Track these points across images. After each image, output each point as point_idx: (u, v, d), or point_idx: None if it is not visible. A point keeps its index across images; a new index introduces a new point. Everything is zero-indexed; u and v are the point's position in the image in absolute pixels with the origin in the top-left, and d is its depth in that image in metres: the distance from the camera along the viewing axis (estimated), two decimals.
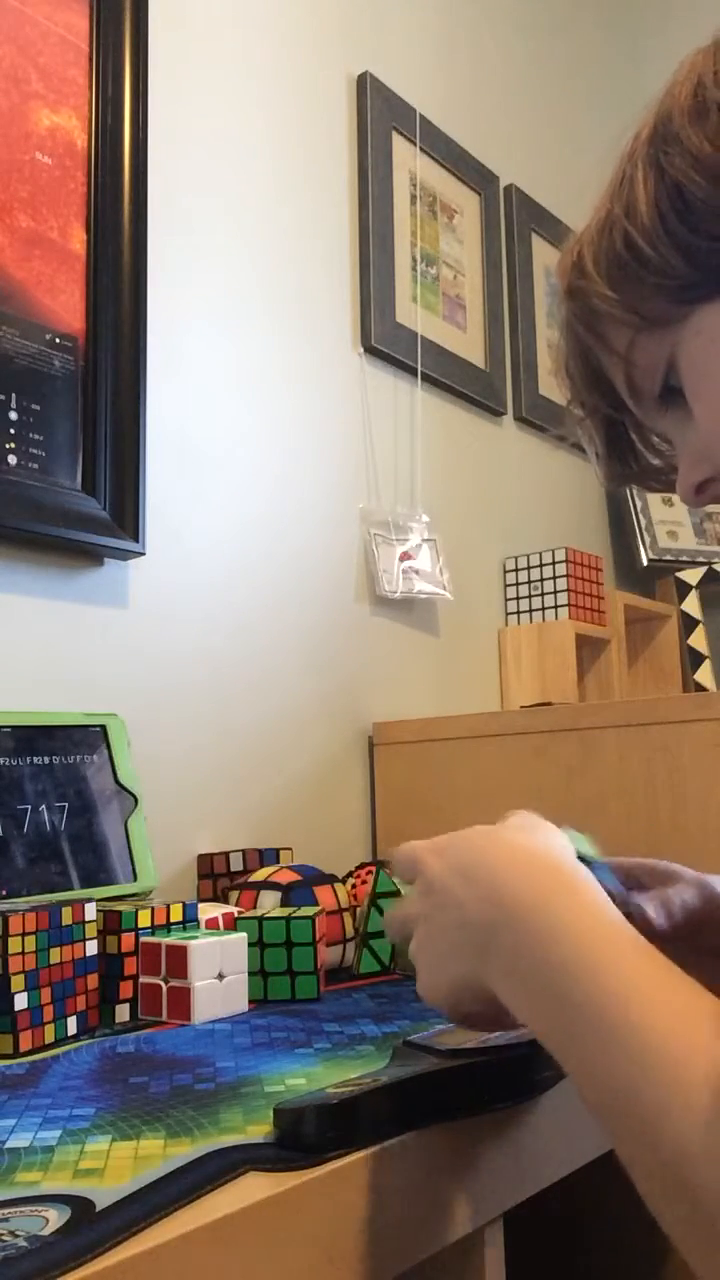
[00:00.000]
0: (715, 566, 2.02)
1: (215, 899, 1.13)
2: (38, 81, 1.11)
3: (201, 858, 1.17)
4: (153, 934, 0.80)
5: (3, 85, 1.08)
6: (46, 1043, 0.71)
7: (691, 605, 1.96)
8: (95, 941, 0.77)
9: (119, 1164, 0.48)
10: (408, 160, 1.67)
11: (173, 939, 0.78)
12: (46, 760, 1.00)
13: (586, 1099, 0.43)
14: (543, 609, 1.74)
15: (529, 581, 1.77)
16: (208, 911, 0.90)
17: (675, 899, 0.59)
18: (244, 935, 0.82)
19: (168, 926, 0.82)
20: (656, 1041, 0.40)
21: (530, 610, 1.76)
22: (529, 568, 1.77)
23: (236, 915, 0.89)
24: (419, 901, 0.55)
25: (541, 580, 1.75)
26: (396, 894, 0.97)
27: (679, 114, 0.52)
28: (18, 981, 0.70)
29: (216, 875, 1.15)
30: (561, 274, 0.59)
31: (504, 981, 0.48)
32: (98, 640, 1.13)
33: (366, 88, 1.59)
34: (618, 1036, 0.41)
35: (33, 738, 1.00)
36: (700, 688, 1.88)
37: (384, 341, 1.56)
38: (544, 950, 0.46)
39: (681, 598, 1.97)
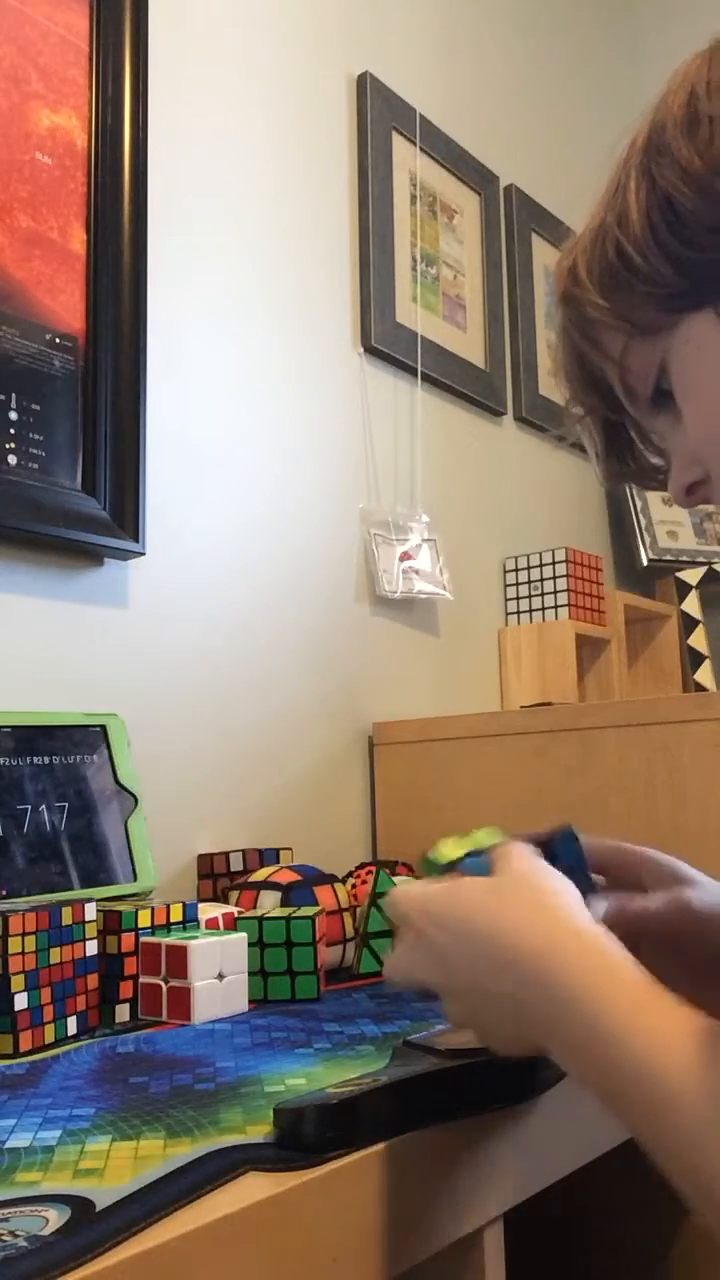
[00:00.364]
0: (715, 566, 2.02)
1: (215, 899, 1.13)
2: (38, 81, 1.11)
3: (201, 858, 1.17)
4: (153, 934, 0.80)
5: (3, 85, 1.08)
6: (46, 1043, 0.71)
7: (691, 605, 1.96)
8: (95, 941, 0.77)
9: (119, 1164, 0.48)
10: (408, 160, 1.67)
11: (173, 939, 0.78)
12: (46, 760, 1.00)
13: (649, 1151, 0.44)
14: (543, 609, 1.74)
15: (529, 581, 1.77)
16: (208, 911, 0.90)
17: (633, 906, 0.60)
18: (244, 935, 0.82)
19: (168, 926, 0.82)
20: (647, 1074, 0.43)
21: (530, 610, 1.76)
22: (529, 568, 1.77)
23: (236, 915, 0.89)
24: (431, 973, 0.54)
25: (541, 580, 1.75)
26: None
27: (671, 124, 0.52)
28: (18, 981, 0.70)
29: (216, 875, 1.15)
30: (557, 281, 0.60)
31: (563, 1056, 0.49)
32: (98, 640, 1.13)
33: (366, 88, 1.59)
34: (652, 1085, 0.43)
35: (33, 738, 1.00)
36: (700, 688, 1.88)
37: (384, 341, 1.56)
38: (587, 1025, 0.46)
39: (681, 598, 1.97)
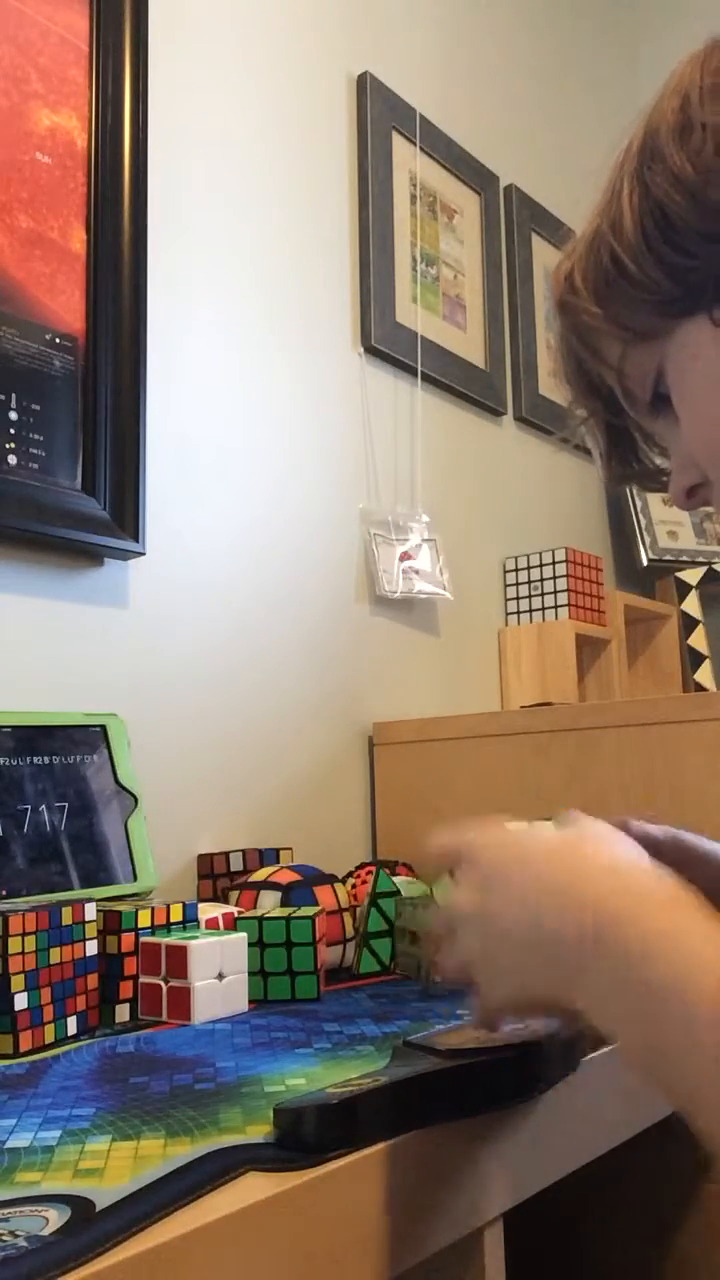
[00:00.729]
0: (715, 566, 2.02)
1: (215, 899, 1.13)
2: (38, 81, 1.11)
3: (201, 858, 1.17)
4: (153, 934, 0.80)
5: (3, 85, 1.08)
6: (46, 1043, 0.71)
7: (691, 605, 1.96)
8: (95, 941, 0.77)
9: (119, 1164, 0.48)
10: (408, 160, 1.67)
11: (173, 939, 0.78)
12: (46, 760, 1.00)
13: (695, 1124, 0.41)
14: (543, 609, 1.74)
15: (529, 581, 1.77)
16: (208, 911, 0.90)
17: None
18: (244, 935, 0.82)
19: (168, 926, 0.82)
20: None
21: (530, 610, 1.76)
22: (529, 568, 1.77)
23: (236, 915, 0.89)
24: (476, 892, 0.53)
25: (541, 580, 1.76)
26: (397, 894, 0.97)
27: (665, 130, 0.53)
28: (18, 981, 0.70)
29: (216, 875, 1.15)
30: (555, 287, 0.60)
31: (596, 1004, 0.46)
32: (98, 640, 1.13)
33: (366, 88, 1.59)
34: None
35: (33, 738, 1.00)
36: (700, 688, 1.88)
37: (384, 341, 1.56)
38: (640, 973, 0.43)
39: (681, 598, 1.97)
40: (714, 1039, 0.39)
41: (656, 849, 0.61)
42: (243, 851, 1.15)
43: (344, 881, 1.05)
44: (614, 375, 0.59)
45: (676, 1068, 0.41)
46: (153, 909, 0.82)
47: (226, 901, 1.04)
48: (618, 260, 0.54)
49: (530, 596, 1.76)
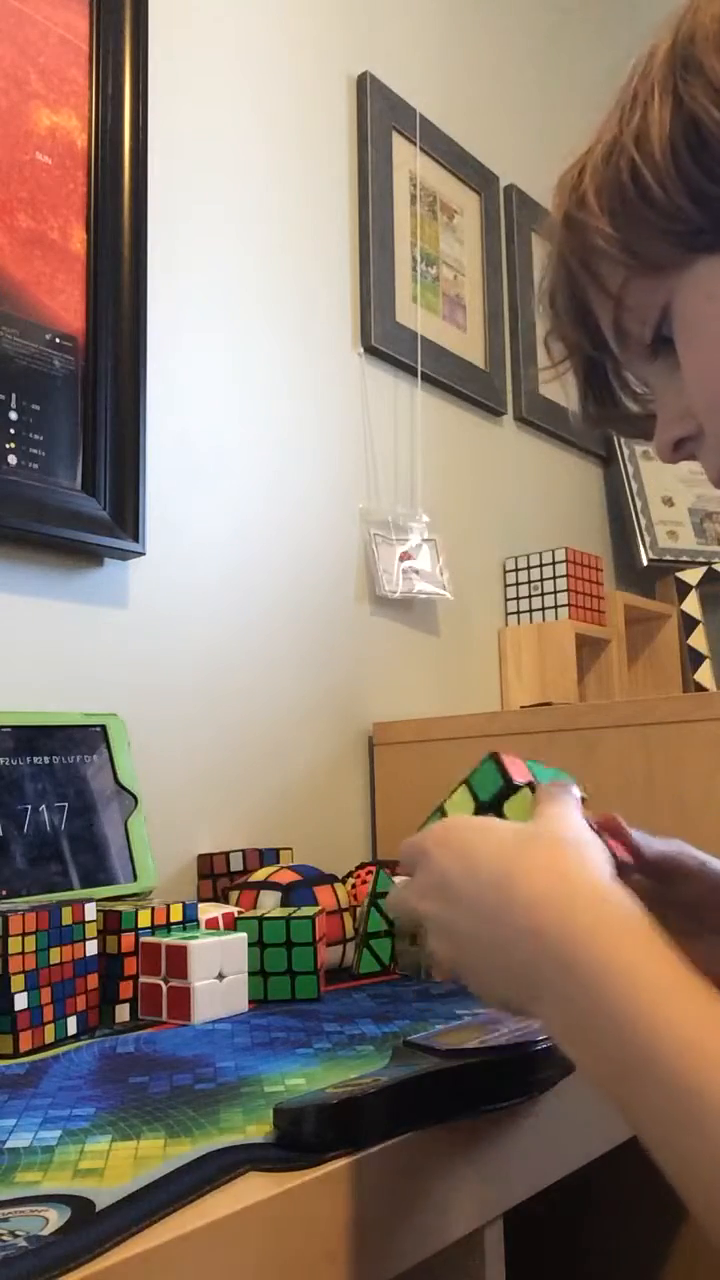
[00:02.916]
0: (715, 566, 2.02)
1: (215, 899, 1.13)
2: (38, 81, 1.11)
3: (201, 858, 1.17)
4: (153, 934, 0.80)
5: (3, 85, 1.08)
6: (46, 1043, 0.71)
7: (691, 605, 1.96)
8: (95, 941, 0.77)
9: (119, 1164, 0.48)
10: (408, 160, 1.67)
11: (173, 939, 0.78)
12: (46, 760, 1.00)
13: (649, 1146, 0.39)
14: (543, 609, 1.74)
15: (529, 581, 1.77)
16: (208, 911, 0.90)
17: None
18: (244, 935, 0.82)
19: (168, 926, 0.82)
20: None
21: (530, 610, 1.76)
22: (529, 568, 1.77)
23: (236, 915, 0.89)
24: (429, 898, 0.50)
25: (541, 580, 1.75)
26: None
27: (703, 38, 0.46)
28: (18, 981, 0.70)
29: (216, 875, 1.15)
30: (560, 198, 0.55)
31: (553, 1024, 0.44)
32: (98, 640, 1.13)
33: (366, 88, 1.59)
34: (679, 1094, 0.37)
35: (33, 738, 1.00)
36: (700, 688, 1.88)
37: (384, 341, 1.56)
38: (594, 996, 0.41)
39: (681, 598, 1.97)
40: (666, 1035, 0.38)
41: (652, 859, 0.58)
42: (243, 851, 1.15)
43: (344, 881, 1.05)
44: (610, 305, 0.53)
45: (634, 1096, 0.39)
46: (153, 909, 0.82)
47: (226, 901, 1.04)
48: (639, 179, 0.48)
49: (530, 596, 1.76)
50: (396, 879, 0.55)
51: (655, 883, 0.58)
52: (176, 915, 0.83)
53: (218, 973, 0.79)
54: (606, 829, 0.58)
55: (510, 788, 0.56)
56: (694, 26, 0.47)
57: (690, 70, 0.46)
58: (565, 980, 0.42)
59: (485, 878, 0.47)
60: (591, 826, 0.52)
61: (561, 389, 0.63)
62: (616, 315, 0.53)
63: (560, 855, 0.47)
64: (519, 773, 0.57)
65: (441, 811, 0.58)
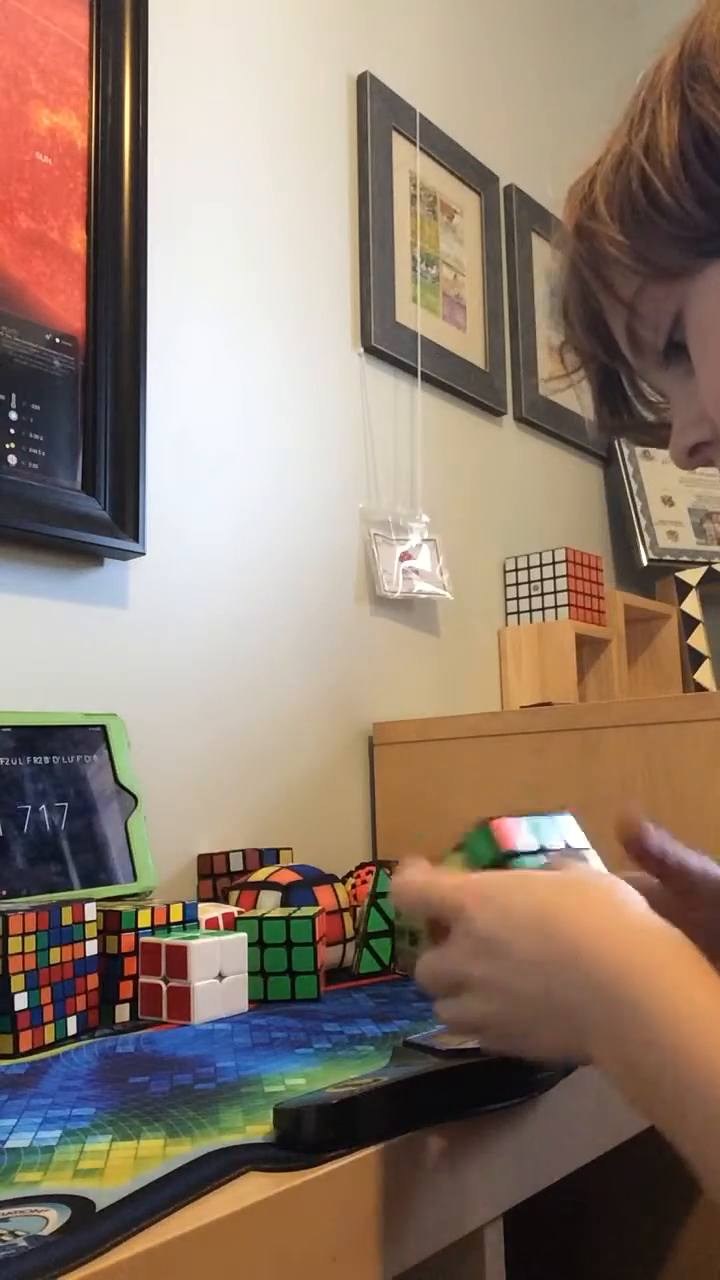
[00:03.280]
0: (715, 566, 2.02)
1: (215, 899, 1.13)
2: (38, 81, 1.11)
3: (201, 858, 1.17)
4: (153, 934, 0.80)
5: (3, 85, 1.08)
6: (46, 1043, 0.71)
7: (691, 605, 1.96)
8: (95, 941, 0.77)
9: (119, 1164, 0.48)
10: (408, 160, 1.67)
11: (173, 939, 0.78)
12: (46, 760, 1.00)
13: (706, 1186, 0.39)
14: (543, 609, 1.74)
15: (529, 581, 1.77)
16: (208, 911, 0.90)
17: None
18: (244, 935, 0.82)
19: (168, 926, 0.82)
20: None
21: (530, 610, 1.76)
22: (529, 568, 1.77)
23: (236, 915, 0.89)
24: (480, 959, 0.48)
25: (541, 580, 1.75)
26: None
27: (710, 48, 0.47)
28: (18, 981, 0.70)
29: (216, 875, 1.15)
30: (570, 208, 0.55)
31: (608, 1064, 0.44)
32: (98, 640, 1.13)
33: (366, 88, 1.59)
34: None
35: (33, 738, 1.00)
36: (700, 688, 1.88)
37: (384, 341, 1.56)
38: (647, 1037, 0.41)
39: (681, 598, 1.97)
40: None
41: (674, 869, 0.57)
42: (243, 851, 1.15)
43: (344, 881, 1.05)
44: (623, 313, 0.54)
45: (696, 1130, 0.39)
46: (153, 909, 0.82)
47: (226, 901, 1.04)
48: (649, 187, 0.49)
49: (530, 596, 1.76)
50: (426, 955, 0.53)
51: (675, 896, 0.57)
52: (176, 915, 0.83)
53: (218, 973, 0.79)
54: (628, 831, 0.57)
55: (503, 858, 0.54)
56: (701, 37, 0.48)
57: (698, 79, 0.47)
58: (615, 1019, 0.42)
59: (530, 928, 0.47)
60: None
61: (576, 395, 0.63)
62: (629, 323, 0.54)
63: (597, 894, 0.47)
64: (511, 840, 0.54)
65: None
